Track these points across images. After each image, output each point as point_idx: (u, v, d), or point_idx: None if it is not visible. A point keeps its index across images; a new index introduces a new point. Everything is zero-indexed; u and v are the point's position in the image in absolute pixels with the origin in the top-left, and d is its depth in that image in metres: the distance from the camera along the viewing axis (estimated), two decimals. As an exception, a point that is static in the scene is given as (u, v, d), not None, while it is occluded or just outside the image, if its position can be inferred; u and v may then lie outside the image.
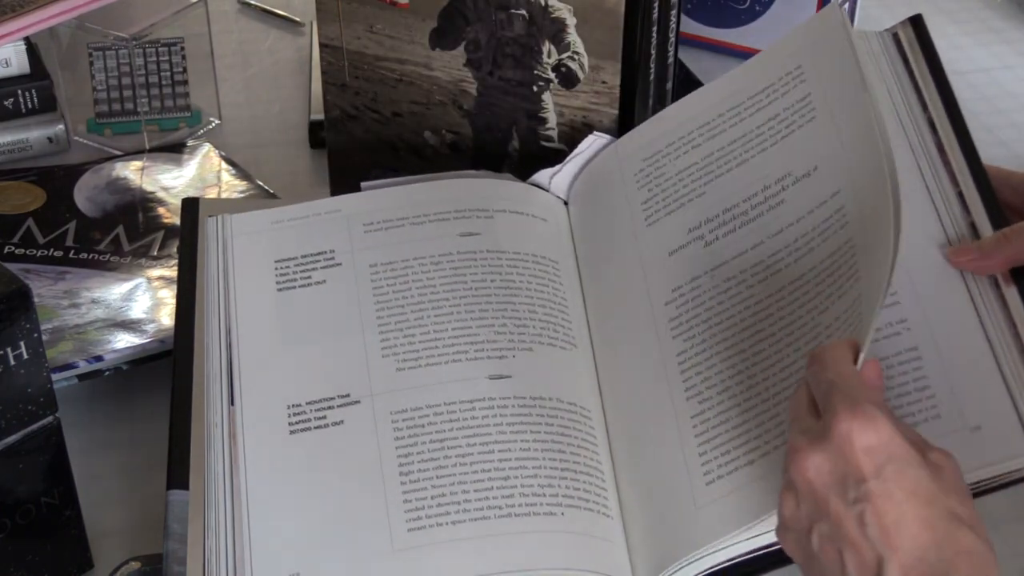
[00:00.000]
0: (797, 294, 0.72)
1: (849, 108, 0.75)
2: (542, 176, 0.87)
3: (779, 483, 0.61)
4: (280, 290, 0.80)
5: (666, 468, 0.72)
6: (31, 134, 1.07)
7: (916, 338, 0.70)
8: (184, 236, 0.85)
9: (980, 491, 0.66)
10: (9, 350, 0.65)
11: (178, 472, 0.72)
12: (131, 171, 1.02)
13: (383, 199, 0.85)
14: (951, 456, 0.58)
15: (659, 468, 0.72)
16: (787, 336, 0.71)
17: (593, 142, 0.87)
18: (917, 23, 0.81)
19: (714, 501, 0.69)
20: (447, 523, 0.70)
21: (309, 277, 0.81)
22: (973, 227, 0.72)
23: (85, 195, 0.99)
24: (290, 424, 0.74)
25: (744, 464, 0.69)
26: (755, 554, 0.68)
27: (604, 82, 0.88)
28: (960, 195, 0.74)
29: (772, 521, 0.63)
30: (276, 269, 0.82)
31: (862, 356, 0.61)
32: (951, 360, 0.69)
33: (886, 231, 0.64)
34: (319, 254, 0.82)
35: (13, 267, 0.82)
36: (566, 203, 0.87)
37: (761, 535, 0.67)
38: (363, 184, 0.87)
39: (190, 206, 0.87)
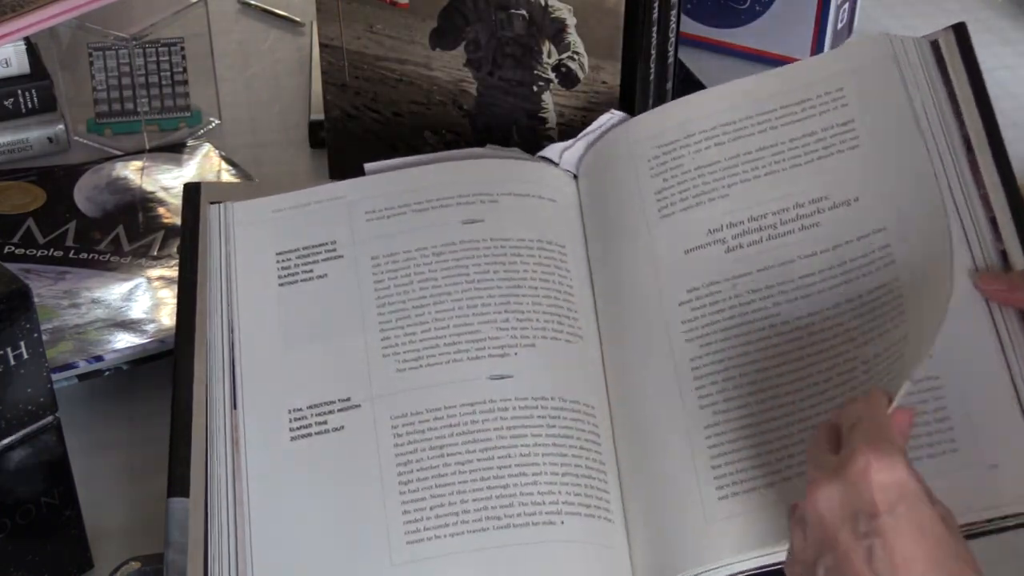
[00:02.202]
0: (832, 322, 0.71)
1: (901, 151, 0.74)
2: (552, 150, 0.85)
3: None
4: (282, 285, 0.79)
5: (674, 475, 0.70)
6: (31, 134, 1.07)
7: (938, 367, 0.68)
8: (186, 223, 0.83)
9: (995, 529, 0.65)
10: (9, 350, 0.65)
11: (179, 479, 0.72)
12: (131, 171, 1.02)
13: (385, 184, 0.83)
14: (951, 513, 0.59)
15: (667, 474, 0.71)
16: (822, 362, 0.70)
17: (609, 119, 0.84)
18: (960, 31, 0.77)
19: (726, 519, 0.68)
20: (445, 535, 0.69)
21: (311, 271, 0.80)
22: (1004, 256, 0.70)
23: (85, 195, 0.99)
24: (291, 430, 0.73)
25: (763, 486, 0.68)
26: (765, 570, 0.67)
27: (604, 82, 0.88)
28: (992, 220, 0.71)
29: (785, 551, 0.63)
30: (278, 262, 0.80)
31: (895, 403, 0.61)
32: (972, 394, 0.67)
33: (939, 285, 0.64)
34: (320, 245, 0.81)
35: (13, 267, 0.82)
36: (575, 176, 0.84)
37: (772, 554, 0.67)
38: (367, 166, 0.85)
39: (192, 192, 0.85)
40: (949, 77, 0.75)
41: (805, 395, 0.69)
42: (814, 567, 0.58)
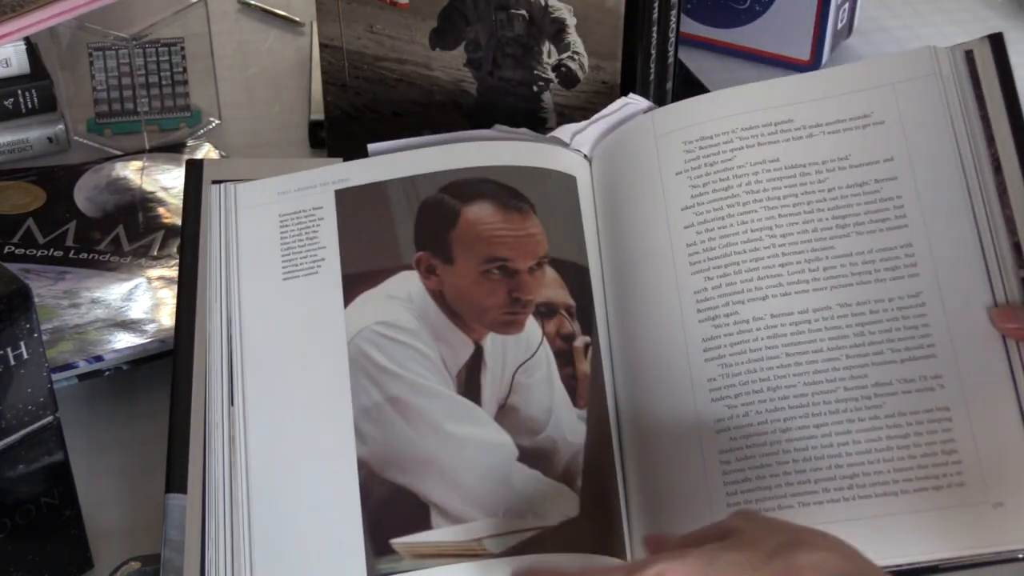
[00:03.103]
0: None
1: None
2: (564, 131, 0.82)
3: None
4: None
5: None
6: (31, 134, 1.07)
7: (948, 399, 0.67)
8: (187, 203, 0.81)
9: (1003, 560, 0.65)
10: (9, 350, 0.65)
11: (176, 475, 0.71)
12: (131, 171, 1.02)
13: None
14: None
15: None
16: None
17: (624, 105, 0.81)
18: (997, 42, 0.73)
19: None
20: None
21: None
22: None
23: (85, 195, 0.99)
24: None
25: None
26: None
27: (604, 82, 0.88)
28: (1016, 246, 0.69)
29: None
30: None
31: None
32: (981, 429, 0.66)
33: None
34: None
35: (13, 267, 0.82)
36: (587, 158, 0.81)
37: None
38: (370, 147, 0.82)
39: (194, 170, 0.82)
40: (982, 92, 0.72)
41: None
42: None
